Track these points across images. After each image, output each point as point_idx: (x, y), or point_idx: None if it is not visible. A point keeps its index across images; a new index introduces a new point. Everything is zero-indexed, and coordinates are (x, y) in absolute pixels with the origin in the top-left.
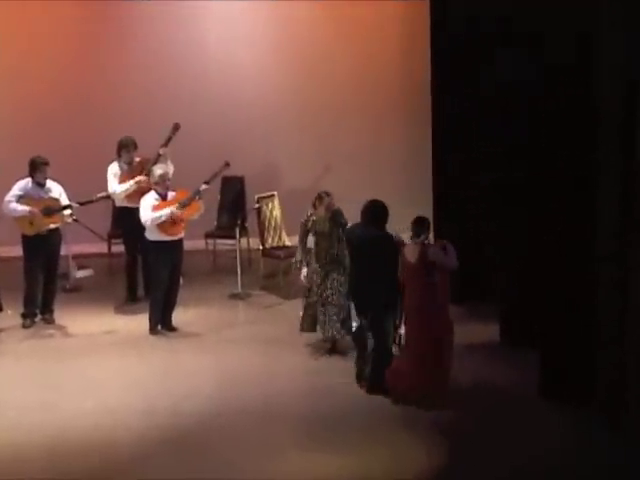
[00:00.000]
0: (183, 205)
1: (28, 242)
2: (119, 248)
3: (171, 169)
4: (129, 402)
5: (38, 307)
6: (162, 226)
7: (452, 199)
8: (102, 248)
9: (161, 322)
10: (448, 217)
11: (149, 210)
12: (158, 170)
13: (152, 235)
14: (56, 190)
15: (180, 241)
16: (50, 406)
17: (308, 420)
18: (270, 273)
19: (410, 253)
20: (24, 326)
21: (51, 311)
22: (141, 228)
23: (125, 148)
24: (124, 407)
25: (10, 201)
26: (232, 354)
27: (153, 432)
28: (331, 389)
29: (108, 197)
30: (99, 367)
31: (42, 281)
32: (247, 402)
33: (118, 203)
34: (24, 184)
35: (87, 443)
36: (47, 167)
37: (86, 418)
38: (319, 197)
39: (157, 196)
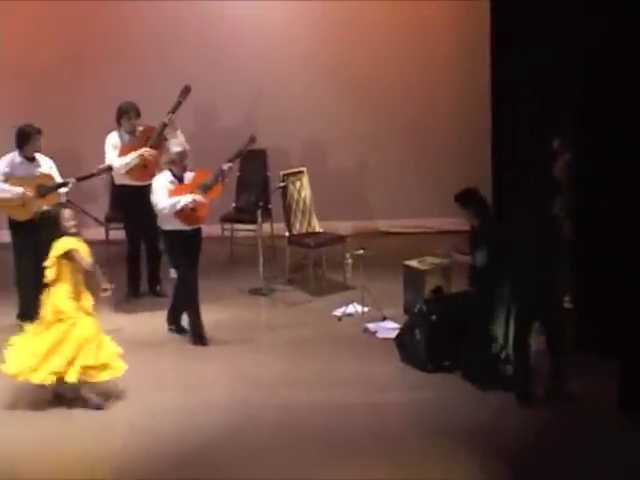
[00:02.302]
0: (205, 189)
1: (19, 229)
2: (118, 234)
3: (181, 139)
4: (129, 416)
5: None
6: (181, 214)
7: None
8: (98, 234)
9: (173, 322)
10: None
11: (165, 195)
12: (176, 147)
13: (168, 224)
14: (46, 165)
15: (199, 230)
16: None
17: (337, 437)
18: (298, 265)
19: None
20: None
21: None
22: (146, 211)
23: (125, 115)
24: (124, 422)
25: None
26: (250, 360)
27: (158, 450)
28: (365, 401)
29: (110, 169)
30: None
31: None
32: (266, 416)
33: (118, 180)
34: (10, 159)
35: (85, 462)
36: (39, 137)
37: (82, 435)
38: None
39: (172, 178)
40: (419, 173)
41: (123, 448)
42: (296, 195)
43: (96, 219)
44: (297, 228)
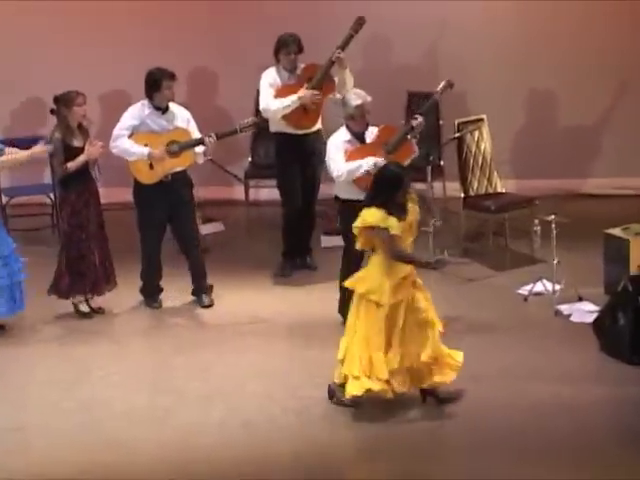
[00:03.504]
0: (391, 150)
1: (145, 192)
2: (258, 193)
3: (350, 81)
4: (267, 413)
5: (160, 279)
6: (361, 182)
7: None
8: (236, 193)
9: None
10: None
11: (341, 159)
12: (354, 99)
13: (344, 192)
14: (182, 117)
15: None
16: (164, 414)
17: (526, 439)
18: (475, 232)
19: None
20: (151, 306)
21: (204, 290)
22: (304, 166)
23: (285, 49)
24: (262, 420)
25: (121, 135)
26: None
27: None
28: (557, 398)
29: (256, 125)
30: (235, 364)
31: (160, 246)
32: (444, 413)
33: (273, 127)
34: (139, 110)
35: (209, 460)
36: (173, 83)
37: (210, 432)
38: None
39: (350, 137)
40: (627, 121)
41: (262, 448)
42: (474, 148)
43: (235, 176)
44: (475, 188)
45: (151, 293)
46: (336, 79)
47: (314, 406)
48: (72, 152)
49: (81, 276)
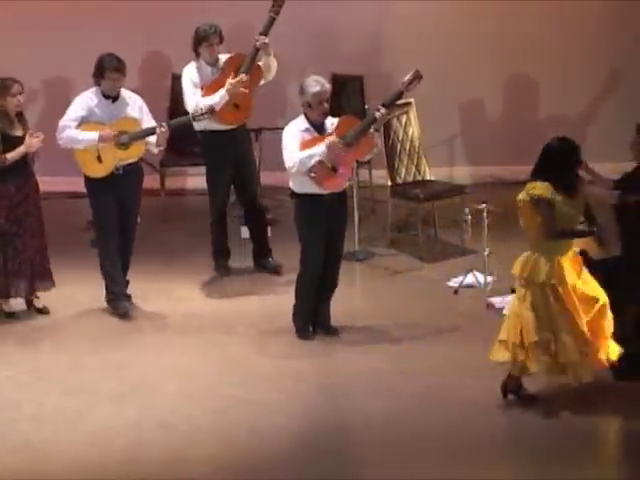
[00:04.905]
0: (350, 141)
1: (94, 185)
2: (175, 183)
3: (274, 66)
4: (184, 413)
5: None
6: (317, 174)
7: None
8: (152, 182)
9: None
10: None
11: (296, 149)
12: (312, 86)
13: (300, 186)
14: (134, 105)
15: (342, 198)
16: (75, 415)
17: (459, 441)
18: (403, 222)
19: None
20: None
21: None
22: (240, 162)
23: (205, 41)
24: (179, 420)
25: (67, 127)
26: (343, 348)
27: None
28: (488, 397)
29: (212, 112)
30: (151, 363)
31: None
32: (371, 412)
33: (199, 125)
34: (87, 99)
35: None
36: (118, 76)
37: (124, 432)
38: None
39: (308, 125)
40: (561, 106)
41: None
42: (402, 134)
43: (150, 164)
44: (402, 176)
45: (117, 296)
46: (260, 64)
47: (233, 405)
48: (12, 142)
49: (16, 275)
